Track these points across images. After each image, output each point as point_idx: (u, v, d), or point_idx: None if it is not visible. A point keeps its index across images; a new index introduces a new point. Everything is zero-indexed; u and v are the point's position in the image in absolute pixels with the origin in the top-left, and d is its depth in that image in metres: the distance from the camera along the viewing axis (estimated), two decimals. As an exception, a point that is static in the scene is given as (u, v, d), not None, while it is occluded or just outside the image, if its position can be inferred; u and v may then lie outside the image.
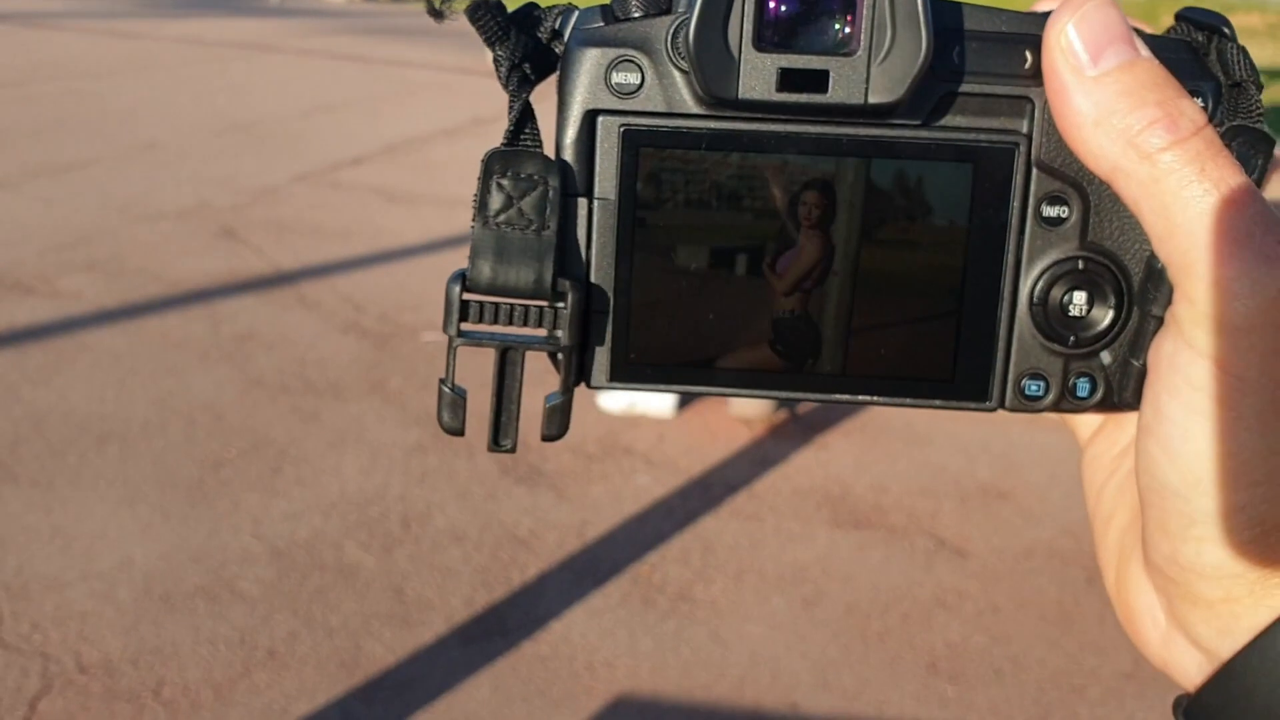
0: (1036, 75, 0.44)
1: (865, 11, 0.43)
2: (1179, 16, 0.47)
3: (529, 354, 0.47)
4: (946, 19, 0.45)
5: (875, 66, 0.43)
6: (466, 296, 0.46)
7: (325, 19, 22.49)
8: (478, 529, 3.11)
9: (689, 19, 0.43)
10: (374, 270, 5.57)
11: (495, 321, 0.46)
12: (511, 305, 0.46)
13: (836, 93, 0.44)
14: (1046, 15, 0.44)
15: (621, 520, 3.20)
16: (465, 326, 0.46)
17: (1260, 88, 0.45)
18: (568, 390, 0.47)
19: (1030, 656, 2.69)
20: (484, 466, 3.43)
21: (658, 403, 3.81)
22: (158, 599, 2.73)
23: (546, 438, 0.47)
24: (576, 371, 0.47)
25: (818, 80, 0.44)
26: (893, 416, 3.91)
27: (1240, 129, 0.45)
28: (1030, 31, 0.44)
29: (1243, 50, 0.45)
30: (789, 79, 0.44)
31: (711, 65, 0.43)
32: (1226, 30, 0.46)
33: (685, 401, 3.89)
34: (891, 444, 3.75)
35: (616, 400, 3.82)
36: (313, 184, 7.43)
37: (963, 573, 3.04)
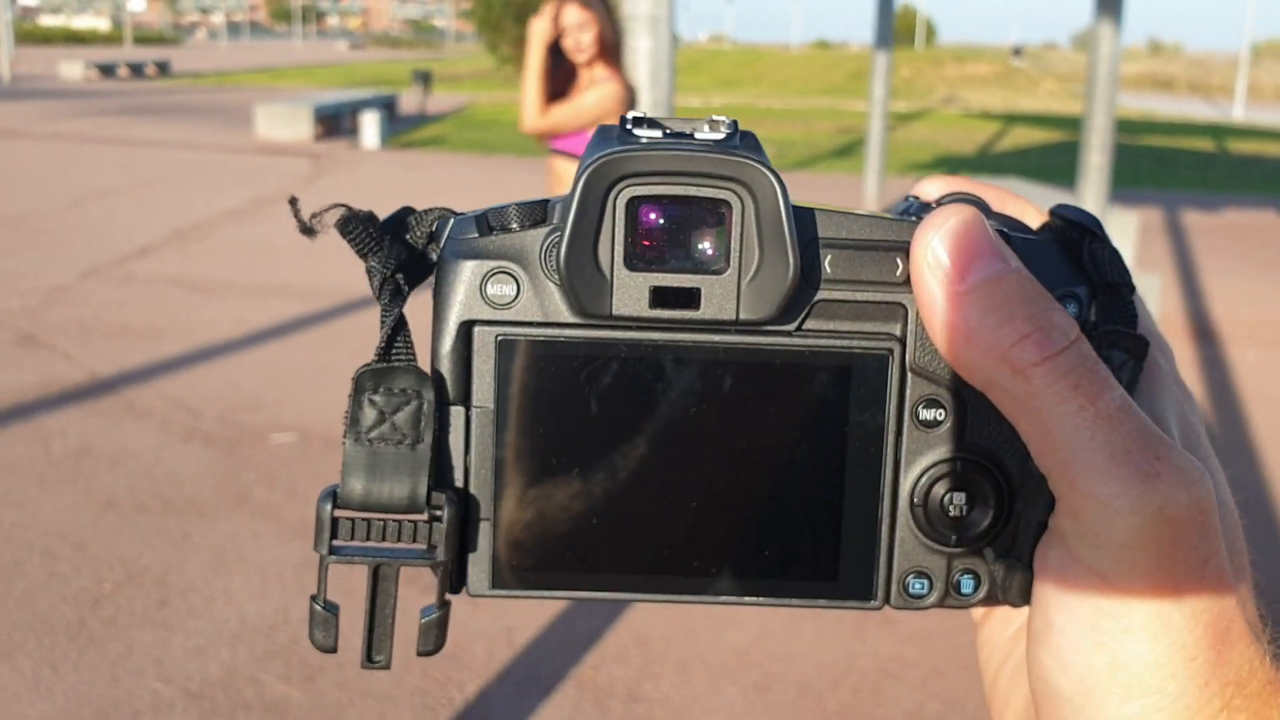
0: (908, 282, 0.45)
1: (733, 232, 0.44)
2: (1053, 213, 0.48)
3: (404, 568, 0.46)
4: (817, 228, 0.45)
5: (745, 284, 0.44)
6: (338, 514, 0.44)
7: (65, 100, 21.36)
8: (399, 648, 2.93)
9: (560, 240, 0.44)
10: (198, 369, 5.27)
11: (368, 538, 0.45)
12: (385, 520, 0.45)
13: (709, 309, 0.44)
14: (918, 216, 0.45)
15: (547, 621, 3.09)
16: (337, 543, 0.44)
17: (1132, 289, 0.46)
18: (444, 605, 0.46)
19: (987, 717, 2.72)
20: (387, 576, 3.25)
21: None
22: (73, 766, 2.45)
23: (422, 653, 0.45)
24: (455, 581, 0.46)
25: (689, 297, 0.44)
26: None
27: (1113, 333, 0.45)
28: (901, 239, 0.45)
29: (1115, 252, 0.46)
30: (661, 296, 0.44)
31: (584, 285, 0.44)
32: (1098, 231, 0.46)
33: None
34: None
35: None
36: (104, 279, 6.99)
37: (895, 639, 3.06)
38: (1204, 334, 6.43)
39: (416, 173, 12.33)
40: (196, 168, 12.08)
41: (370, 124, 14.64)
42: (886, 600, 0.48)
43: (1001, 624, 0.53)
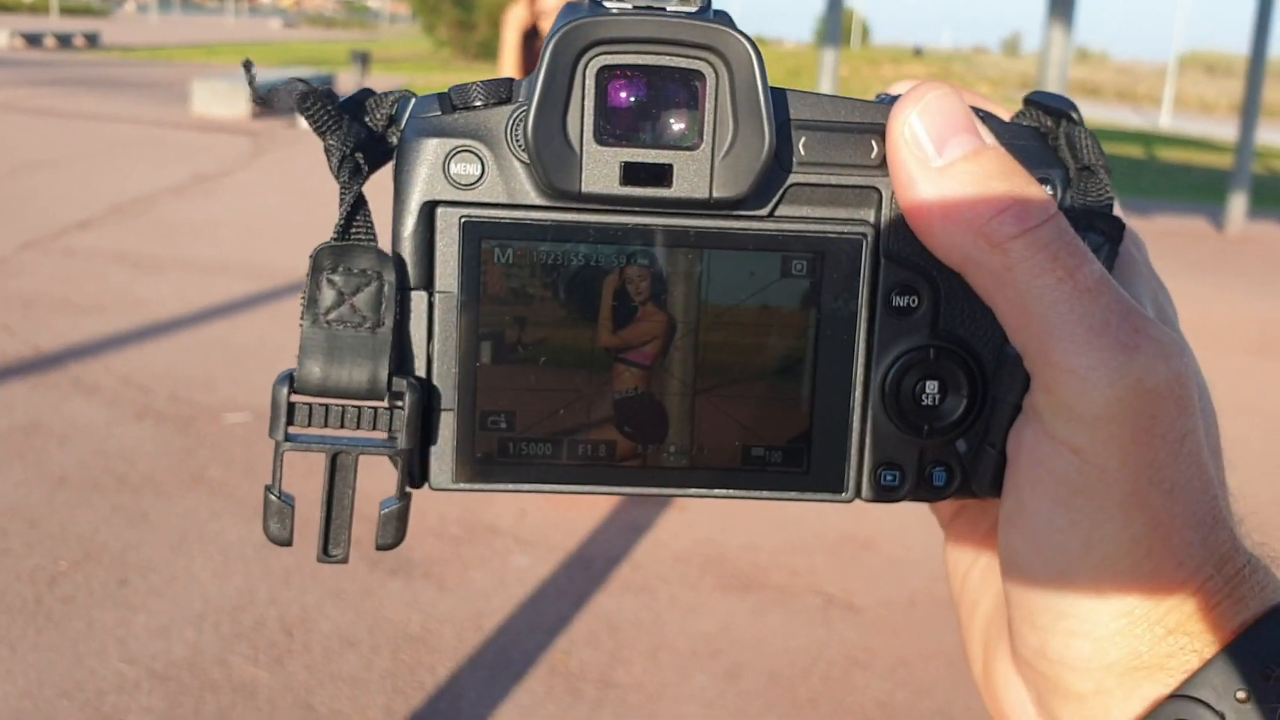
0: (883, 165, 0.44)
1: (707, 106, 0.43)
2: (1027, 101, 0.48)
3: (364, 457, 0.44)
4: (790, 109, 0.44)
5: (719, 161, 0.43)
6: (295, 399, 0.43)
7: (-7, 68, 20.82)
8: (366, 630, 2.91)
9: (527, 112, 0.42)
10: (146, 346, 5.17)
11: (326, 424, 0.43)
12: (344, 406, 0.43)
13: (680, 187, 0.43)
14: (891, 103, 0.43)
15: (515, 606, 3.08)
16: (293, 430, 0.43)
17: (1109, 171, 0.46)
18: (404, 495, 0.44)
19: (956, 706, 2.77)
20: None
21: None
22: (40, 746, 2.40)
23: (381, 547, 0.44)
24: (417, 473, 0.45)
25: (661, 174, 0.43)
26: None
27: (1090, 213, 0.45)
28: (876, 121, 0.44)
29: (1091, 135, 0.46)
30: (632, 173, 0.43)
31: (552, 158, 0.42)
32: (1074, 115, 0.46)
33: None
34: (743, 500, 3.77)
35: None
36: (43, 252, 6.83)
37: (860, 628, 3.09)
38: (1144, 336, 6.55)
39: (358, 154, 12.14)
40: (133, 142, 11.83)
41: (310, 103, 14.42)
42: (858, 493, 0.47)
43: (969, 526, 0.52)
